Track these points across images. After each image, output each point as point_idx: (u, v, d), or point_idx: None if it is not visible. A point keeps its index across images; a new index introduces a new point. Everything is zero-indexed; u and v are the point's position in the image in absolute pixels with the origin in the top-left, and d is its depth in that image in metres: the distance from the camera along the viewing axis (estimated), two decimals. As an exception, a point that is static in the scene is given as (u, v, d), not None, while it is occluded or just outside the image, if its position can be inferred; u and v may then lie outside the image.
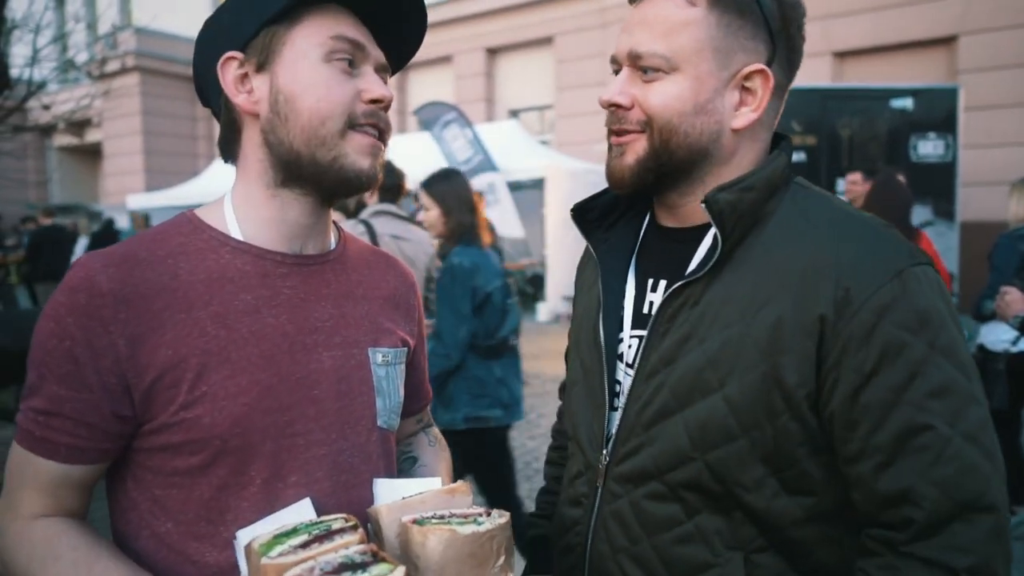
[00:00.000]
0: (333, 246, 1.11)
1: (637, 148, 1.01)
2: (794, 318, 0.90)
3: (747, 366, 0.92)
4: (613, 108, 1.02)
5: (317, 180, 1.00)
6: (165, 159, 22.21)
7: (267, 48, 0.98)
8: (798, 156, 8.73)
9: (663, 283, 1.07)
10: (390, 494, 1.01)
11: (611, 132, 1.04)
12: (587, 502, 1.09)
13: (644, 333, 1.04)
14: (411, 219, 3.65)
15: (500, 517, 0.91)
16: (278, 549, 0.81)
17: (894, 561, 0.87)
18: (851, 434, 0.89)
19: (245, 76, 0.99)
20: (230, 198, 1.05)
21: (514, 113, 16.49)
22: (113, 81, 17.46)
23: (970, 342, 5.67)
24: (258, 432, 0.94)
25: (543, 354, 8.50)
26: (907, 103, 8.66)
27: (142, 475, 0.95)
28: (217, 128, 1.10)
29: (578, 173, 10.87)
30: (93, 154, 25.56)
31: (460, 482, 1.02)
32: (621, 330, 1.09)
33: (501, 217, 10.57)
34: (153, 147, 21.97)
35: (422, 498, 0.96)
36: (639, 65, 0.98)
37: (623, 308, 1.10)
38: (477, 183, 10.71)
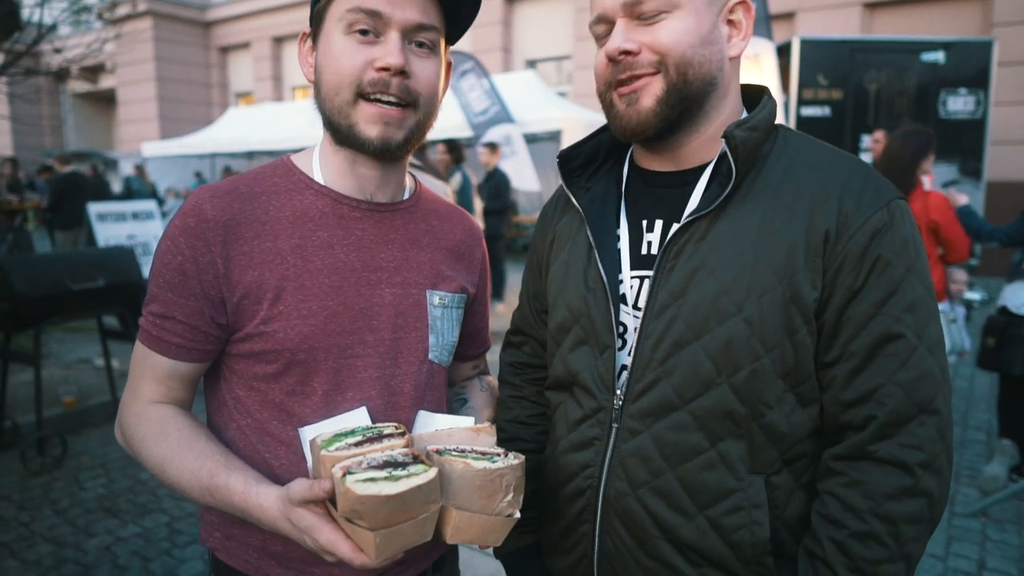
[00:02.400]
0: (406, 197, 1.23)
1: (654, 89, 1.04)
2: (806, 240, 0.98)
3: (764, 289, 0.99)
4: (623, 56, 1.03)
5: (347, 143, 1.10)
6: (179, 106, 22.06)
7: (316, 24, 1.10)
8: (822, 111, 8.52)
9: (659, 223, 1.11)
10: (426, 425, 1.13)
11: (618, 83, 1.06)
12: (599, 443, 1.10)
13: (646, 273, 1.08)
14: (428, 168, 3.60)
15: (514, 459, 0.99)
16: (336, 445, 0.95)
17: (854, 476, 0.97)
18: (833, 341, 0.99)
19: (311, 49, 1.13)
20: (318, 147, 1.18)
21: (531, 63, 16.17)
22: (124, 25, 17.22)
23: (989, 305, 5.59)
24: (322, 350, 1.09)
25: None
26: (938, 57, 8.37)
27: (229, 377, 1.13)
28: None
29: (596, 126, 10.56)
30: (108, 100, 25.45)
31: (487, 424, 1.11)
32: (620, 272, 1.11)
33: (517, 170, 10.43)
34: (167, 94, 21.79)
35: (450, 432, 1.07)
36: (637, 12, 1.02)
37: (618, 251, 1.12)
38: (493, 134, 10.57)
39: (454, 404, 1.34)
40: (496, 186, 8.61)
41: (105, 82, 24.39)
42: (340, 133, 1.09)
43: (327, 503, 0.91)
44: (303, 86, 19.79)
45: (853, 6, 11.85)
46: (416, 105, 1.08)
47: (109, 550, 3.30)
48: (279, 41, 20.99)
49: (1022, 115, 10.10)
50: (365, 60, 1.04)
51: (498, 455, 1.00)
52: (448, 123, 10.49)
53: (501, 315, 8.43)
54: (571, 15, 15.13)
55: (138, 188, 14.27)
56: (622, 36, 1.03)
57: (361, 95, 1.05)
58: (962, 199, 4.11)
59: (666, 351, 1.03)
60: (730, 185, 1.01)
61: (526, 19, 16.27)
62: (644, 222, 1.12)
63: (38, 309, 4.08)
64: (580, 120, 10.93)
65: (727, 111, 1.09)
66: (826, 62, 8.45)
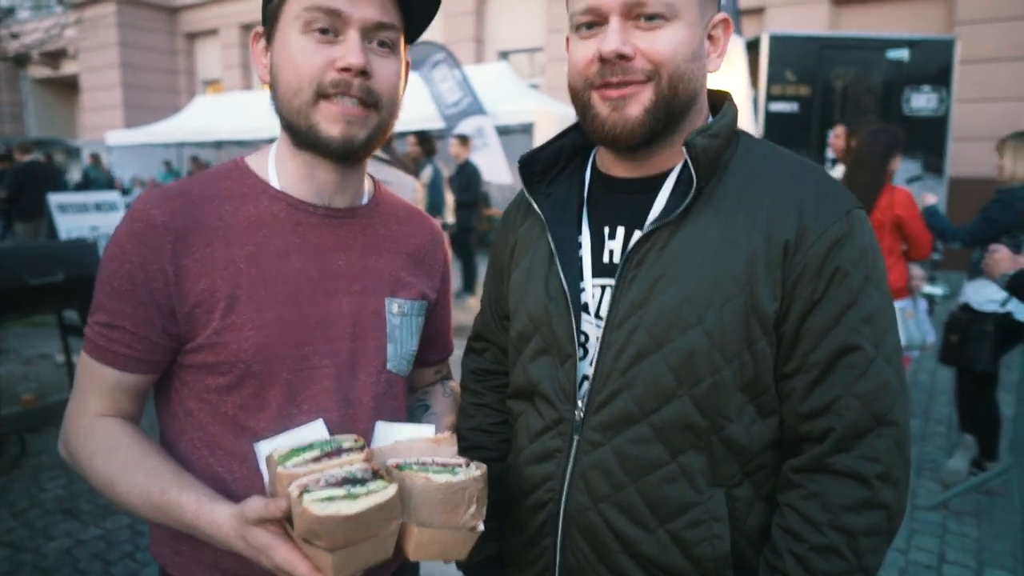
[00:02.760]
0: (365, 201, 1.19)
1: (643, 99, 1.00)
2: (766, 250, 0.98)
3: (726, 298, 0.97)
4: (617, 59, 0.98)
5: (307, 145, 1.06)
6: (145, 94, 21.53)
7: (271, 22, 1.06)
8: (790, 107, 8.59)
9: (621, 231, 1.09)
10: (385, 436, 1.10)
11: (607, 85, 1.01)
12: (561, 456, 1.09)
13: (608, 281, 1.07)
14: (396, 162, 3.55)
15: (476, 469, 0.97)
16: (293, 460, 0.92)
17: (813, 488, 0.97)
18: (792, 352, 0.99)
19: (265, 49, 1.09)
20: (275, 149, 1.14)
21: (504, 55, 16.08)
22: (86, 10, 16.76)
23: (951, 300, 5.70)
24: (277, 361, 1.05)
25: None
26: (903, 54, 8.49)
27: (181, 388, 1.09)
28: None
29: (568, 119, 10.60)
30: (70, 87, 24.74)
31: (447, 433, 1.07)
32: (581, 279, 1.09)
33: (489, 162, 10.38)
34: (132, 81, 21.25)
35: (410, 444, 1.04)
36: (638, 13, 0.98)
37: (580, 259, 1.10)
38: (466, 126, 10.49)
39: (416, 410, 1.31)
40: (467, 179, 8.57)
41: (67, 68, 23.71)
42: (300, 135, 1.05)
43: (283, 521, 0.88)
44: (272, 75, 19.45)
45: (821, 2, 11.98)
46: (378, 106, 1.06)
47: (69, 553, 3.23)
48: (248, 28, 20.60)
49: (983, 112, 10.31)
50: (325, 60, 1.01)
51: (460, 466, 0.98)
52: (420, 114, 10.39)
53: (471, 309, 8.41)
54: (544, 7, 15.07)
55: (95, 177, 13.96)
56: (619, 38, 0.97)
57: (322, 95, 1.02)
58: (930, 199, 4.19)
59: (627, 362, 1.02)
60: (691, 194, 1.00)
61: (498, 10, 16.17)
62: (606, 229, 1.11)
63: (-6, 304, 3.97)
64: (552, 113, 10.90)
65: (699, 123, 1.09)
66: (795, 58, 8.52)
